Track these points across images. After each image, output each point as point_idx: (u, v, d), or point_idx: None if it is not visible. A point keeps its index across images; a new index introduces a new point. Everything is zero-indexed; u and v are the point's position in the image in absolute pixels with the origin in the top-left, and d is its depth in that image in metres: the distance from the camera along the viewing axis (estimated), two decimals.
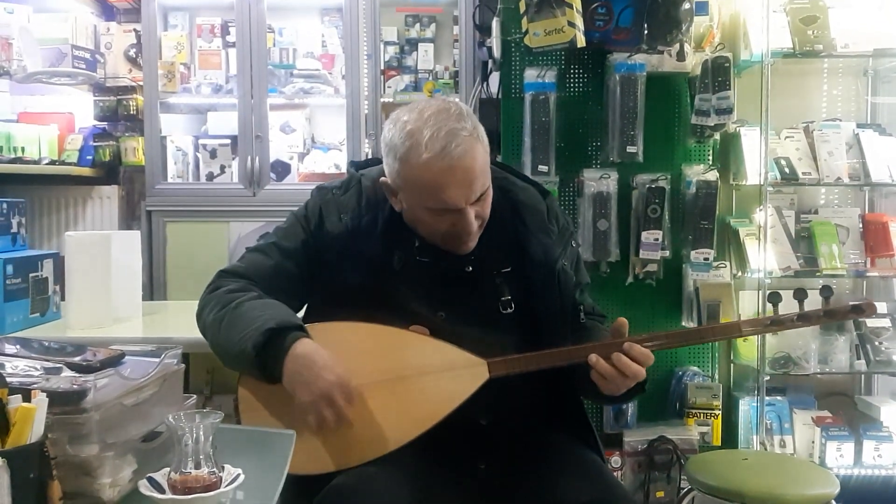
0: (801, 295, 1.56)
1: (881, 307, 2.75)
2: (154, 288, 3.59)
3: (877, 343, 2.71)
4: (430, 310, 1.58)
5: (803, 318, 1.55)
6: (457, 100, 1.58)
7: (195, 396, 1.29)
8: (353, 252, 1.58)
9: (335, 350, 1.48)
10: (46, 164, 3.58)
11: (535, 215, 1.67)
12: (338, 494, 1.42)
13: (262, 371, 1.49)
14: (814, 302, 1.58)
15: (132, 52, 3.84)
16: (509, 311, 1.61)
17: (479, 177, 1.51)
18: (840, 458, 2.72)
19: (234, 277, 1.62)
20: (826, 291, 1.57)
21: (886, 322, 2.72)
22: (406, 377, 1.51)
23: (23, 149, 3.46)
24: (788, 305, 1.58)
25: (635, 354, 1.47)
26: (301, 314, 1.69)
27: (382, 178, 1.59)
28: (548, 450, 1.57)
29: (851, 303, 1.59)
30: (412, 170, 1.49)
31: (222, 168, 3.80)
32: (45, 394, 0.95)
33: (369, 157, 3.39)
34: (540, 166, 2.58)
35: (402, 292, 1.58)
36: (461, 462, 1.55)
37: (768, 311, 2.59)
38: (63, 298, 2.26)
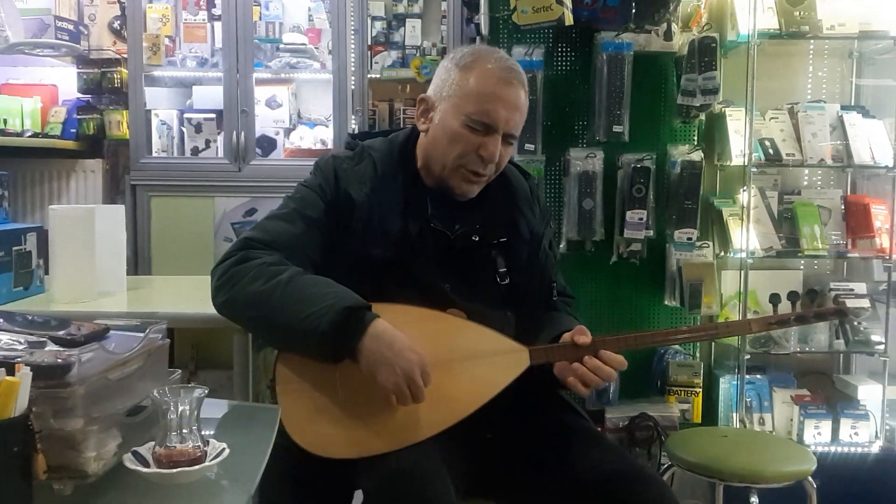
0: (794, 297, 1.82)
1: (860, 287, 2.78)
2: (139, 262, 3.58)
3: (856, 323, 2.74)
4: (438, 280, 1.61)
5: (799, 319, 1.75)
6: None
7: (180, 371, 1.29)
8: (373, 222, 1.60)
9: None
10: (29, 136, 3.55)
11: (522, 194, 1.77)
12: (395, 479, 1.36)
13: (334, 350, 1.45)
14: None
15: (116, 25, 3.80)
16: (506, 282, 1.67)
17: (520, 116, 1.62)
18: (818, 435, 2.76)
19: (264, 248, 1.55)
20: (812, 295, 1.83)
21: (865, 302, 2.74)
22: (455, 360, 1.51)
23: (5, 121, 3.43)
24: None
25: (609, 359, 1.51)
26: None
27: (423, 95, 1.67)
28: (557, 422, 1.62)
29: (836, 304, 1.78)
30: (472, 74, 1.58)
31: (207, 142, 3.78)
32: (29, 367, 0.95)
33: (355, 132, 3.38)
34: (527, 145, 2.58)
35: (415, 262, 1.60)
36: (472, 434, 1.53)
37: (751, 299, 2.65)
38: (47, 272, 2.24)
